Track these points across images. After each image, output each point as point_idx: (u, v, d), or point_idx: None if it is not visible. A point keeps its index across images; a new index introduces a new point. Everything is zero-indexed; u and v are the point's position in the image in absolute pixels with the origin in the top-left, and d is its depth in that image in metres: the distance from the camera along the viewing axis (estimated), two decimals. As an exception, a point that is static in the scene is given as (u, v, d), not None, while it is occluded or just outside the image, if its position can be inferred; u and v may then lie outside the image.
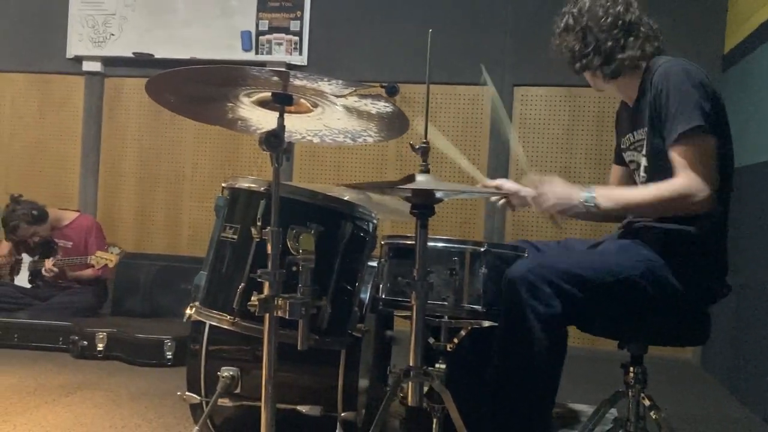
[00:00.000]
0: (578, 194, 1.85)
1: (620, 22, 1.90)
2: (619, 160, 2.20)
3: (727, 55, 3.98)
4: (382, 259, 2.04)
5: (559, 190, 1.89)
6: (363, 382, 2.19)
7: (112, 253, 4.08)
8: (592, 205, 1.83)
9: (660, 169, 1.87)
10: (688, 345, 3.82)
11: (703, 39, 4.08)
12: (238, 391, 2.10)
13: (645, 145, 1.93)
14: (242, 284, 1.77)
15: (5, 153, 5.03)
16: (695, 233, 1.86)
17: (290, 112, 1.71)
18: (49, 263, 4.08)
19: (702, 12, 4.12)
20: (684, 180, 1.77)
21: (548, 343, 1.75)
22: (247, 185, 1.89)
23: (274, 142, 1.56)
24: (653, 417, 1.93)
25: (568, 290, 1.77)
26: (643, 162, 1.96)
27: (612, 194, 1.89)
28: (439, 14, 4.44)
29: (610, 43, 1.90)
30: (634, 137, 2.01)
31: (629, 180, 2.17)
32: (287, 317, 1.54)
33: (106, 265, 4.06)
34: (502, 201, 2.17)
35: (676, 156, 1.80)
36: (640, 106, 1.96)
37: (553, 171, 4.31)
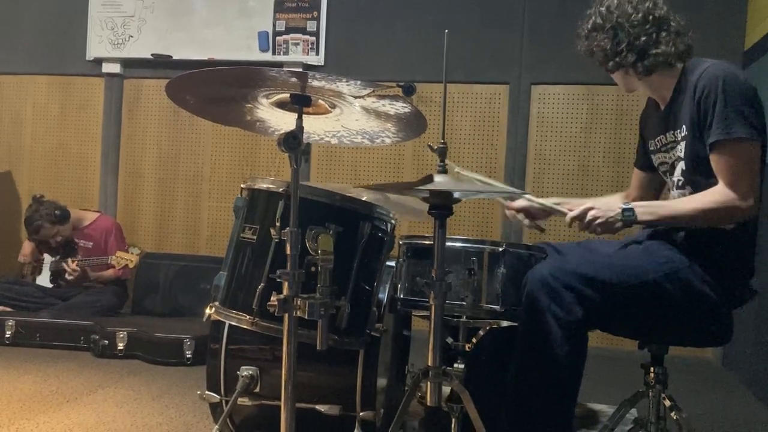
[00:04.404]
0: (617, 206, 1.85)
1: (651, 17, 1.88)
2: (642, 165, 2.17)
3: (747, 51, 3.93)
4: (401, 259, 2.04)
5: (599, 203, 1.91)
6: (381, 382, 2.19)
7: (132, 253, 4.13)
8: (631, 216, 1.82)
9: (700, 174, 1.84)
10: (709, 346, 3.78)
11: (723, 35, 4.03)
12: (257, 390, 2.12)
13: (684, 148, 1.89)
14: (261, 284, 1.78)
15: (27, 154, 5.10)
16: (724, 235, 1.83)
17: (308, 113, 1.72)
18: (72, 263, 4.12)
19: (723, 8, 4.07)
20: (729, 189, 1.75)
21: (569, 349, 1.75)
22: (266, 186, 1.90)
23: (293, 143, 1.56)
24: (674, 417, 1.92)
25: (589, 295, 1.76)
26: (680, 165, 1.92)
27: (650, 207, 1.88)
28: (456, 13, 4.43)
29: (643, 38, 1.88)
30: (666, 138, 1.97)
31: (651, 185, 2.16)
32: (306, 317, 1.55)
33: (126, 265, 4.12)
34: (526, 221, 2.15)
35: (720, 162, 1.77)
36: (674, 106, 1.93)
37: (571, 170, 4.31)
